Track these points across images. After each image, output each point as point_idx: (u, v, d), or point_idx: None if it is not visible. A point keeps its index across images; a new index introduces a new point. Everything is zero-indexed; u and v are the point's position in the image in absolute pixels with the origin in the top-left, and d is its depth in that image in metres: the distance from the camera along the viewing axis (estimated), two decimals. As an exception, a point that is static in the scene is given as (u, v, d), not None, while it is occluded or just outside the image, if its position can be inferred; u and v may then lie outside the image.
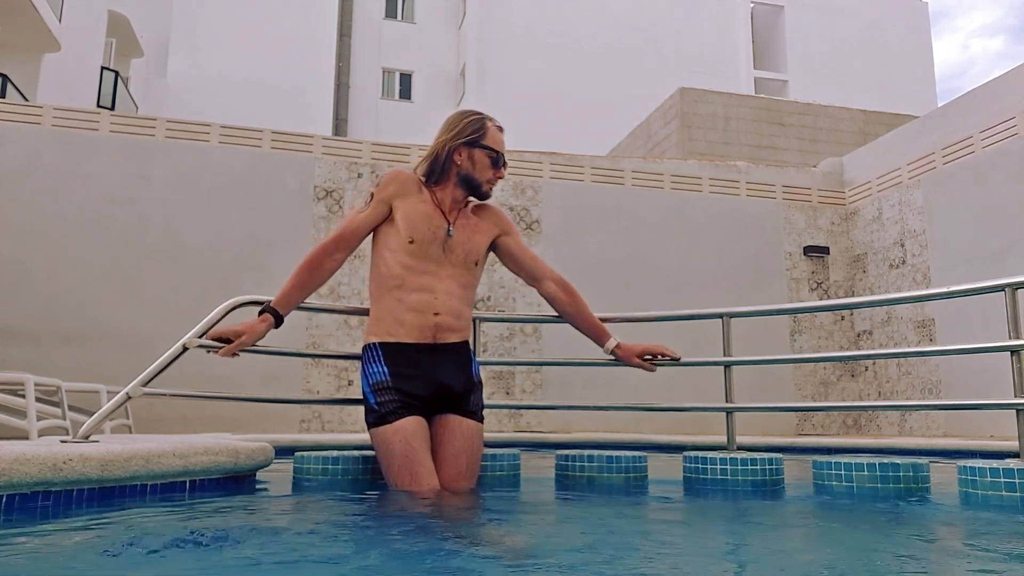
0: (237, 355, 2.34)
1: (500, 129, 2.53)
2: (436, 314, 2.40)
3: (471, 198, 2.57)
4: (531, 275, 2.64)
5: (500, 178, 2.51)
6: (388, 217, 2.46)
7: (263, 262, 6.64)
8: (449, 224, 2.44)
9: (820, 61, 24.38)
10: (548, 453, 3.19)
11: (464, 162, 2.46)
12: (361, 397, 2.48)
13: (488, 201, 2.61)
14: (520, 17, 22.56)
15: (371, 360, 2.41)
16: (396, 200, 2.44)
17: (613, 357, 2.69)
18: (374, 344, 2.42)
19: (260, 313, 2.38)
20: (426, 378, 2.38)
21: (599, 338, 2.67)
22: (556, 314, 2.72)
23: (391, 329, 2.40)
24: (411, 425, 2.31)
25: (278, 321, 2.39)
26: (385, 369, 2.37)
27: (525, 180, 7.46)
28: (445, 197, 2.47)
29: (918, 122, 8.04)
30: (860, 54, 24.74)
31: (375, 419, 2.35)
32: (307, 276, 2.43)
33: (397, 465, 2.26)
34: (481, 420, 2.50)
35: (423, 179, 2.49)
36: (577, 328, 2.70)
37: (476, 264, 2.52)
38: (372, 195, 2.46)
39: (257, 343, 2.38)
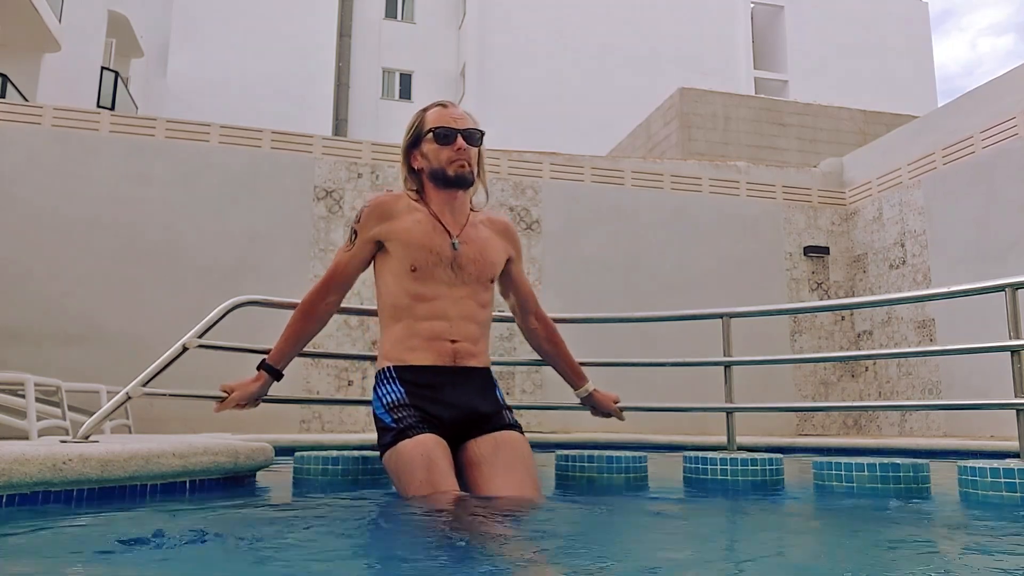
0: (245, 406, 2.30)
1: (445, 106, 2.29)
2: (453, 341, 2.20)
3: (479, 209, 2.37)
4: (523, 306, 2.48)
5: (460, 150, 2.22)
6: (382, 249, 2.25)
7: (263, 262, 6.65)
8: (452, 237, 2.22)
9: (820, 61, 24.38)
10: (548, 453, 3.18)
11: (421, 162, 2.27)
12: (369, 416, 2.35)
13: (502, 216, 2.45)
14: (520, 17, 22.57)
15: (384, 382, 2.20)
16: (383, 232, 2.22)
17: (586, 403, 2.60)
18: (388, 367, 2.21)
19: (257, 368, 2.29)
20: (447, 402, 2.15)
21: (576, 380, 2.55)
22: (553, 315, 2.69)
23: (404, 355, 2.20)
24: (432, 440, 2.04)
25: (276, 376, 2.30)
26: (400, 388, 2.16)
27: (525, 180, 7.46)
28: (440, 207, 2.25)
29: (918, 122, 8.04)
30: (860, 54, 24.74)
31: (392, 437, 2.08)
32: (301, 327, 2.30)
33: (419, 480, 1.97)
34: (522, 432, 2.26)
35: (416, 194, 2.29)
36: (555, 368, 2.58)
37: (492, 281, 2.31)
38: (354, 231, 2.25)
39: (261, 397, 2.32)
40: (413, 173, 2.30)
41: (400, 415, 2.11)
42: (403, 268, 2.20)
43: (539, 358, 2.65)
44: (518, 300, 2.48)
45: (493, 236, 2.34)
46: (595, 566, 1.27)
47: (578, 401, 2.66)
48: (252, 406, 2.33)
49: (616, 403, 2.62)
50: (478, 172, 2.31)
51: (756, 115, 12.23)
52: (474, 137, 2.26)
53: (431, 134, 2.23)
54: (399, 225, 2.21)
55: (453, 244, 2.22)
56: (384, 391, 2.18)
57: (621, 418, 2.64)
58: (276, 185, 6.83)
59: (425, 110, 2.30)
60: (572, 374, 2.56)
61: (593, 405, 2.61)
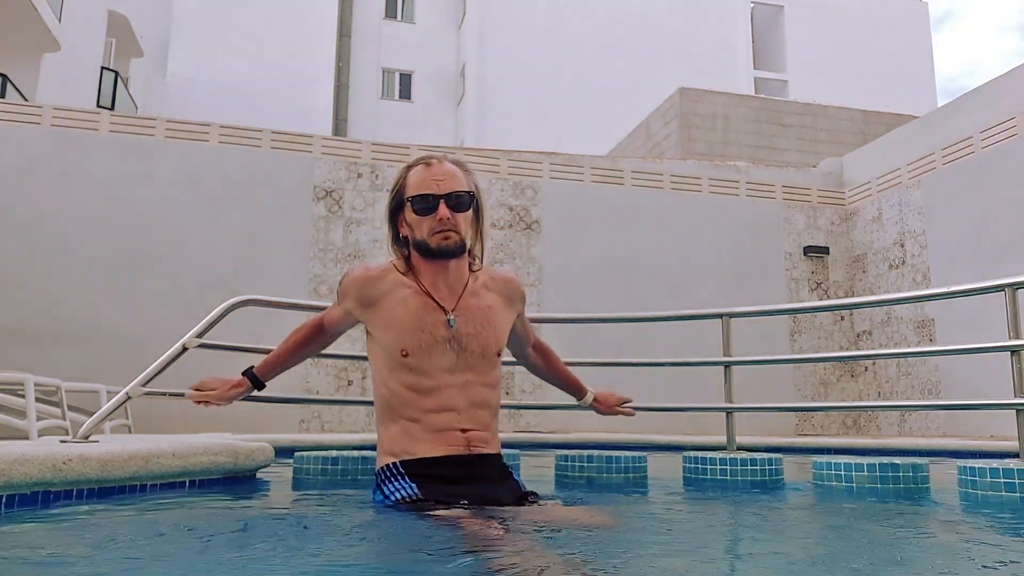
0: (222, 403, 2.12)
1: (428, 164, 1.96)
2: (463, 431, 1.91)
3: (478, 269, 2.05)
4: (523, 343, 2.31)
5: (445, 219, 1.90)
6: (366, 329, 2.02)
7: (263, 262, 6.65)
8: (448, 313, 1.93)
9: (820, 61, 24.38)
10: (548, 453, 3.19)
11: (407, 231, 1.98)
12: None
13: (505, 273, 2.18)
14: (520, 17, 22.56)
15: (390, 479, 1.90)
16: (360, 316, 1.99)
17: (594, 410, 2.52)
18: (392, 463, 1.91)
19: (242, 374, 2.13)
20: (466, 493, 1.84)
21: (577, 392, 2.46)
22: (553, 315, 2.68)
23: (410, 447, 1.91)
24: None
25: (258, 387, 2.14)
26: (411, 483, 1.86)
27: (525, 180, 7.46)
28: (431, 278, 1.96)
29: (918, 122, 8.04)
30: (860, 54, 24.73)
31: None
32: (294, 345, 2.15)
33: None
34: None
35: (406, 263, 2.00)
36: (553, 384, 2.48)
37: (499, 354, 2.03)
38: (339, 294, 2.06)
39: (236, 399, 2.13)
40: (399, 241, 2.02)
41: (414, 508, 1.83)
42: (393, 355, 1.92)
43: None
44: (519, 343, 2.29)
45: (497, 300, 2.05)
46: (593, 566, 1.28)
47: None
48: (225, 404, 2.18)
49: (620, 403, 2.58)
50: (478, 231, 2.02)
51: (756, 115, 12.23)
52: (461, 202, 1.94)
53: (413, 200, 1.93)
54: (382, 308, 1.95)
55: (448, 321, 1.93)
56: (391, 488, 1.88)
57: (628, 414, 2.59)
58: (276, 185, 6.83)
59: (409, 167, 2.00)
60: (572, 388, 2.50)
61: (596, 410, 2.60)
